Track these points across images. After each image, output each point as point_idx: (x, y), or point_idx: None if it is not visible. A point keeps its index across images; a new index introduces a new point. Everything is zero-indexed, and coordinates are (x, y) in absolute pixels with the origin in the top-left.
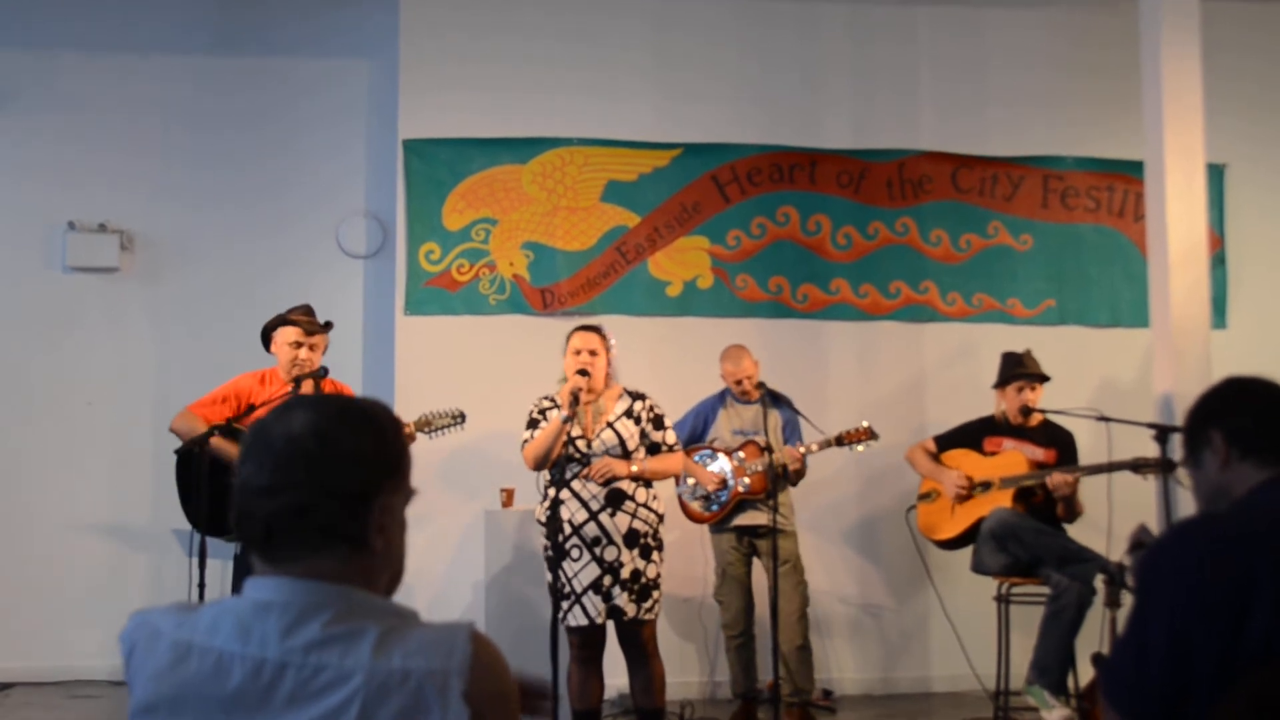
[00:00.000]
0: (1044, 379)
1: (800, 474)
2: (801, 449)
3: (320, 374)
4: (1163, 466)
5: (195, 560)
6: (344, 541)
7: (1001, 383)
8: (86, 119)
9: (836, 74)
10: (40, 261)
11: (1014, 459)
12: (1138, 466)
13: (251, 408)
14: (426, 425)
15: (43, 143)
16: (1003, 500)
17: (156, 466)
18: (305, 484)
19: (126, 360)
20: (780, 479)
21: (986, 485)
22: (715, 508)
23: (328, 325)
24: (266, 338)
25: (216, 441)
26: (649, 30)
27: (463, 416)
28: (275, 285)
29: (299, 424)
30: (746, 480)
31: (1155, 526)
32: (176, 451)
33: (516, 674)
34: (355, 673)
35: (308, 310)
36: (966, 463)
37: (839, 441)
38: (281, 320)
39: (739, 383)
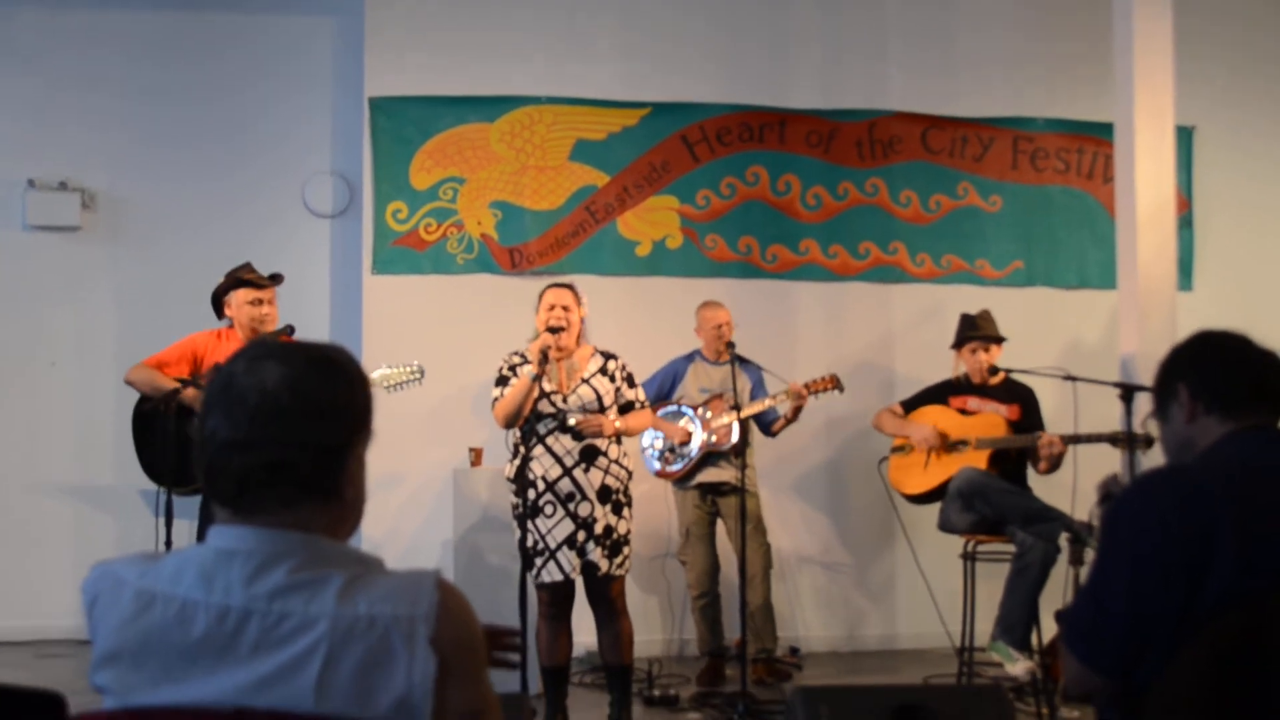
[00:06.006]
0: (998, 340)
1: (795, 412)
2: (768, 401)
3: (285, 332)
4: (1132, 441)
5: (161, 520)
6: (318, 494)
7: (957, 344)
8: (47, 76)
9: (806, 34)
10: None
11: (992, 420)
12: (1115, 440)
13: (217, 366)
14: (385, 380)
15: (1, 99)
16: (977, 460)
17: (120, 426)
18: (282, 439)
19: (89, 320)
20: (745, 438)
21: (964, 443)
22: (681, 463)
23: (277, 278)
24: (218, 302)
25: (190, 392)
26: None
27: (421, 371)
28: (240, 244)
29: (272, 377)
30: (713, 437)
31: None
32: (139, 406)
33: (483, 623)
34: (320, 619)
35: (251, 268)
36: (944, 419)
37: (804, 389)
38: (236, 283)
39: (718, 328)
